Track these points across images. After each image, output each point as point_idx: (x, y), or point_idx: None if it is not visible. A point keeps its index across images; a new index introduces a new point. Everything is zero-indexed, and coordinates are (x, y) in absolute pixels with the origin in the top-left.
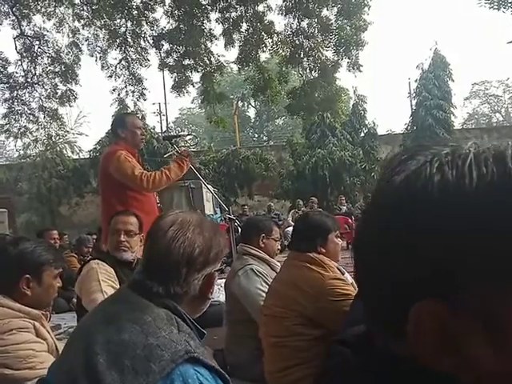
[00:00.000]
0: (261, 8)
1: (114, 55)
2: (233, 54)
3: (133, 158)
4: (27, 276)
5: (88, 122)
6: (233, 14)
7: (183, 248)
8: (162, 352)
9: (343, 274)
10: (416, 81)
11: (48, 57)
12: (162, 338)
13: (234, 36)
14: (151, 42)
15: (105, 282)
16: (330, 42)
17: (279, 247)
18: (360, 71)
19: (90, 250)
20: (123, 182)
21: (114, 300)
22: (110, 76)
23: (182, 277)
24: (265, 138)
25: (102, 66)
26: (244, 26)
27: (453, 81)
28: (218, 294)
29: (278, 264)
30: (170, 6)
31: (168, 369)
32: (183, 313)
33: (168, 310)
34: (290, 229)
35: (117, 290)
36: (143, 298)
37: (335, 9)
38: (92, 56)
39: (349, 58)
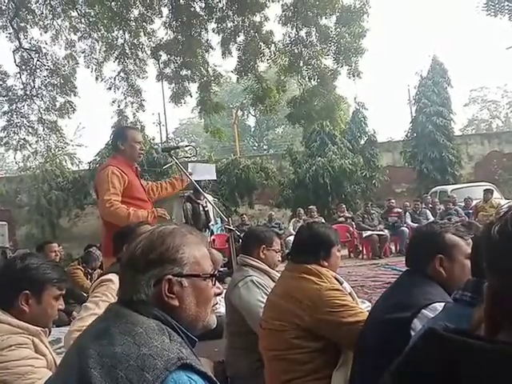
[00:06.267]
0: (258, 18)
1: (112, 67)
2: (232, 63)
3: (122, 176)
4: (26, 292)
5: (87, 133)
6: (229, 25)
7: (129, 250)
8: (155, 361)
9: (341, 283)
10: (415, 87)
11: (46, 69)
12: (155, 348)
13: (230, 46)
14: (149, 52)
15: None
16: (329, 50)
17: (280, 258)
18: (360, 78)
19: (98, 264)
20: (96, 195)
21: (105, 315)
22: (110, 88)
23: (130, 279)
24: (265, 147)
25: (96, 78)
26: (241, 36)
27: (452, 87)
28: (219, 306)
29: (279, 275)
30: (167, 17)
31: (162, 377)
32: (174, 323)
33: (158, 321)
34: (291, 238)
35: (107, 305)
36: (132, 311)
37: (334, 17)
38: (88, 68)
39: (349, 66)
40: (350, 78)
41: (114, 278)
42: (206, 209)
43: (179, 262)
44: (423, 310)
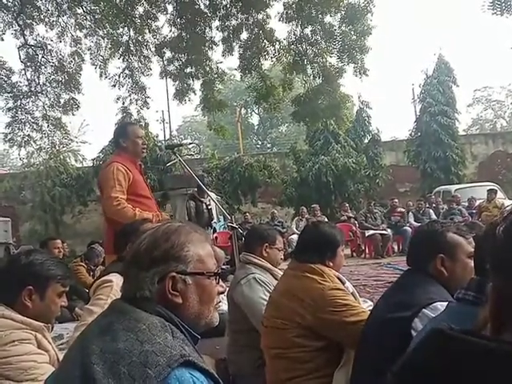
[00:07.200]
0: (261, 16)
1: (117, 64)
2: (236, 61)
3: (127, 173)
4: (30, 287)
5: (91, 130)
6: (233, 22)
7: (134, 247)
8: (157, 357)
9: (344, 283)
10: (420, 86)
11: (51, 66)
12: (157, 345)
13: (233, 44)
14: (153, 50)
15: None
16: (333, 48)
17: (282, 256)
18: (367, 75)
19: (101, 261)
20: (100, 191)
21: (108, 312)
22: (114, 85)
23: (134, 276)
24: (268, 145)
25: (100, 75)
26: (244, 34)
27: (457, 86)
28: (221, 304)
29: (281, 273)
30: (172, 15)
31: (164, 373)
32: (177, 320)
33: (161, 318)
34: (294, 236)
35: (111, 301)
36: (135, 308)
37: (338, 15)
38: (94, 65)
39: (355, 63)
40: (356, 75)
41: (116, 278)
42: (210, 207)
43: (183, 259)
44: (424, 310)
